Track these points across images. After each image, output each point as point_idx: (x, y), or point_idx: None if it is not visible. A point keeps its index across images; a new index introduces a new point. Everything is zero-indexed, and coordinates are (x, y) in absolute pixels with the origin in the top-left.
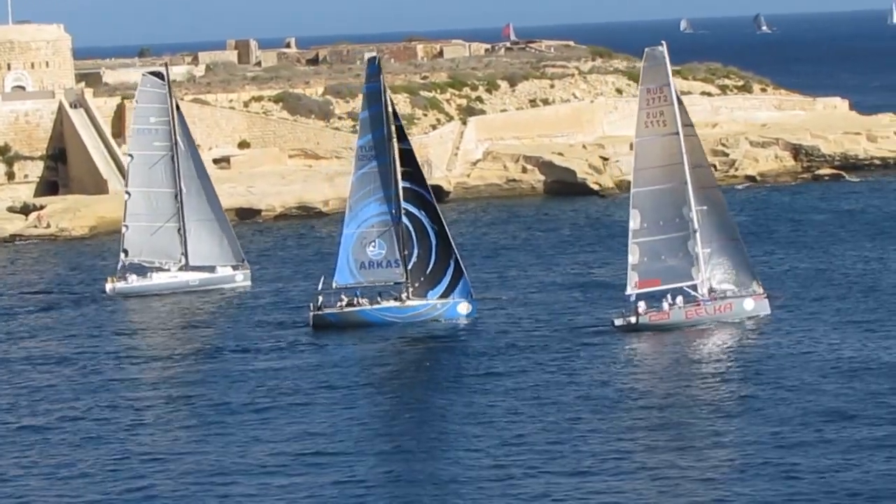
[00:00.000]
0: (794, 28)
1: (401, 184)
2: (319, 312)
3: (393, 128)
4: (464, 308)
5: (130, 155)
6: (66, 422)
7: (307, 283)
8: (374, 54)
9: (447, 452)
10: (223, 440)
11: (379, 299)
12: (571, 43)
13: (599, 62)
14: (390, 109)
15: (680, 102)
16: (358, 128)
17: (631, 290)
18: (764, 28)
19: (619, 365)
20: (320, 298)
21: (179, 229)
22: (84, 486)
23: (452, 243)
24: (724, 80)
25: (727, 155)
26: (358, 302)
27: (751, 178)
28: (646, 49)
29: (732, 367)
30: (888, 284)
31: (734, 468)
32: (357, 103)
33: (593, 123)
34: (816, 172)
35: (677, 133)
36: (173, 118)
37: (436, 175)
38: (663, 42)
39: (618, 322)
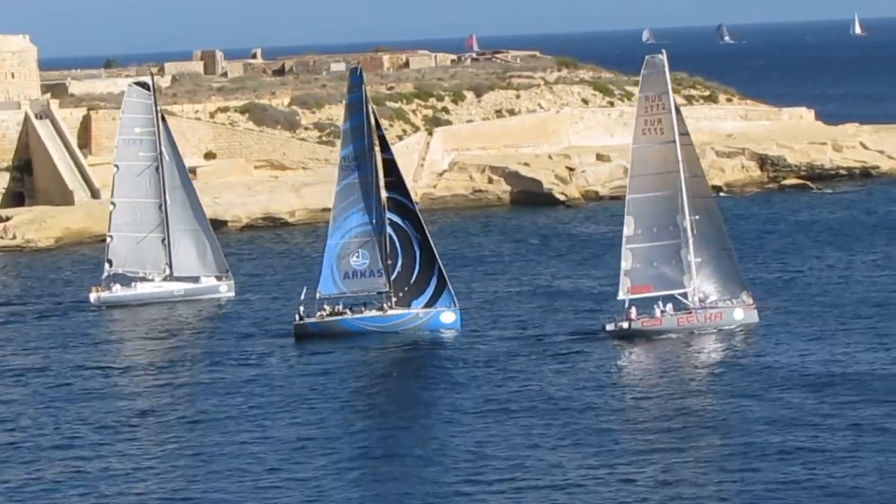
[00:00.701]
0: (758, 38)
1: (384, 194)
2: (301, 322)
3: (375, 138)
4: (447, 318)
5: (116, 165)
6: (48, 430)
7: (291, 294)
8: (355, 65)
9: (430, 461)
10: (207, 448)
11: (363, 309)
12: (537, 53)
13: (565, 72)
14: (373, 119)
15: (678, 111)
16: (341, 138)
17: (623, 296)
18: (727, 38)
19: (607, 372)
20: (302, 308)
21: (164, 240)
22: (69, 494)
23: (436, 253)
24: (690, 90)
25: None
26: (340, 311)
27: (717, 188)
28: (646, 57)
29: (723, 377)
30: (855, 294)
31: (723, 476)
32: (323, 114)
33: (559, 134)
34: (782, 182)
35: (674, 141)
36: (158, 129)
37: None
38: (663, 50)
39: (609, 327)
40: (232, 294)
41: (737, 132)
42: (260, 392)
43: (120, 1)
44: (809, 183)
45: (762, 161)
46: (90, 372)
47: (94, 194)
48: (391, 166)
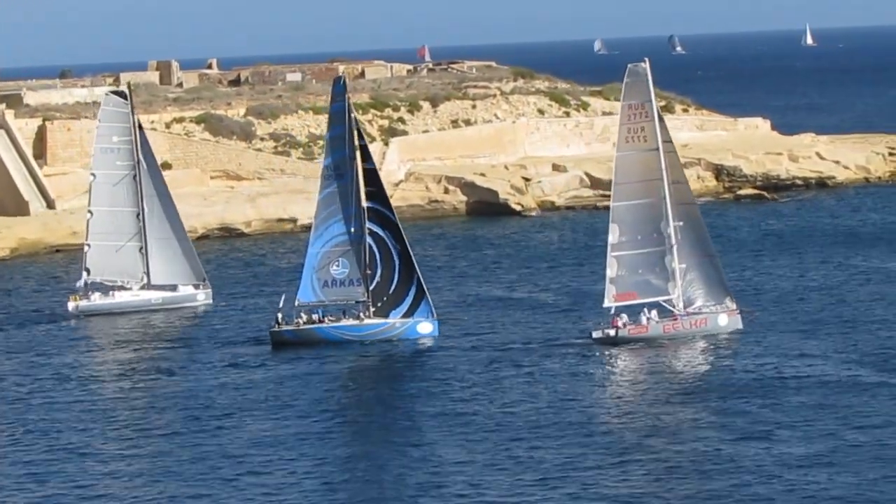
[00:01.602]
0: (709, 48)
1: (365, 203)
2: (277, 329)
3: (357, 147)
4: (424, 328)
5: (93, 174)
6: (26, 438)
7: (270, 302)
8: (340, 74)
9: (400, 473)
10: (184, 455)
11: (343, 317)
12: (493, 63)
13: (521, 83)
14: (355, 129)
15: (661, 119)
16: (324, 147)
17: (609, 303)
18: (678, 49)
19: (590, 381)
20: (280, 316)
21: (141, 248)
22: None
23: (415, 264)
24: None
25: None
26: (318, 319)
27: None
28: (628, 65)
29: (709, 382)
30: (820, 299)
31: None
32: (278, 124)
33: (515, 144)
34: (738, 192)
35: (657, 149)
36: (136, 138)
37: None
38: (646, 59)
39: (596, 335)
40: (209, 302)
41: (693, 142)
42: (233, 399)
43: (75, 11)
44: (766, 193)
45: (718, 171)
46: (71, 380)
47: (50, 204)
48: (372, 176)
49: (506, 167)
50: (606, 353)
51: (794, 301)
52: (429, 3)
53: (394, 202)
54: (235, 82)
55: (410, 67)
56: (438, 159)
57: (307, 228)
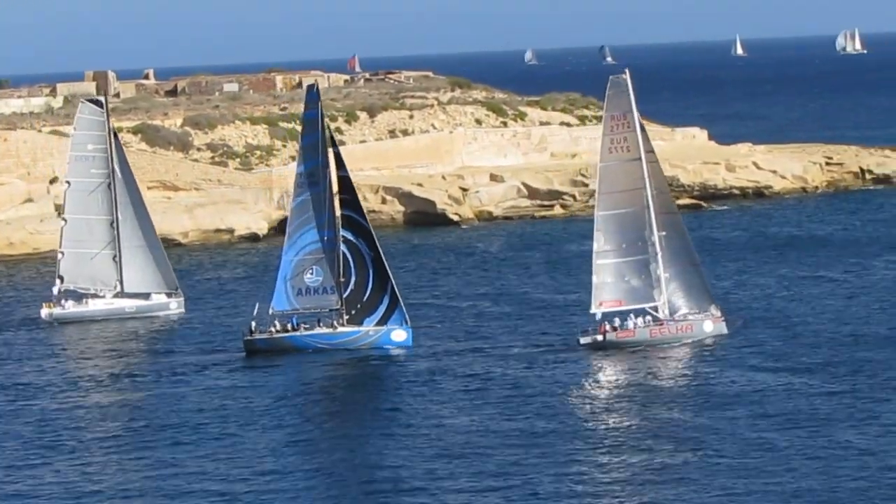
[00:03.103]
0: (640, 58)
1: (339, 211)
2: (251, 338)
3: (331, 155)
4: (398, 336)
5: (68, 182)
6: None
7: (243, 310)
8: (311, 82)
9: (371, 479)
10: (156, 463)
11: (318, 325)
12: (430, 73)
13: (458, 93)
14: (328, 136)
15: (643, 129)
16: (297, 155)
17: (595, 310)
18: (609, 59)
19: (561, 386)
20: (254, 324)
21: (115, 256)
22: None
23: (389, 271)
24: (584, 110)
25: (587, 185)
26: (293, 327)
27: None
28: (610, 77)
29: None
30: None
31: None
32: (216, 134)
33: (452, 154)
34: (676, 202)
35: (640, 159)
36: (111, 146)
37: None
38: (626, 70)
39: (584, 340)
40: (182, 310)
41: None
42: (204, 407)
43: (10, 21)
44: (703, 203)
45: None
46: (45, 387)
47: None
48: (346, 183)
49: (443, 177)
50: (591, 359)
51: (735, 310)
52: (358, 14)
53: None
54: (172, 93)
55: (347, 77)
56: (376, 169)
57: (245, 239)
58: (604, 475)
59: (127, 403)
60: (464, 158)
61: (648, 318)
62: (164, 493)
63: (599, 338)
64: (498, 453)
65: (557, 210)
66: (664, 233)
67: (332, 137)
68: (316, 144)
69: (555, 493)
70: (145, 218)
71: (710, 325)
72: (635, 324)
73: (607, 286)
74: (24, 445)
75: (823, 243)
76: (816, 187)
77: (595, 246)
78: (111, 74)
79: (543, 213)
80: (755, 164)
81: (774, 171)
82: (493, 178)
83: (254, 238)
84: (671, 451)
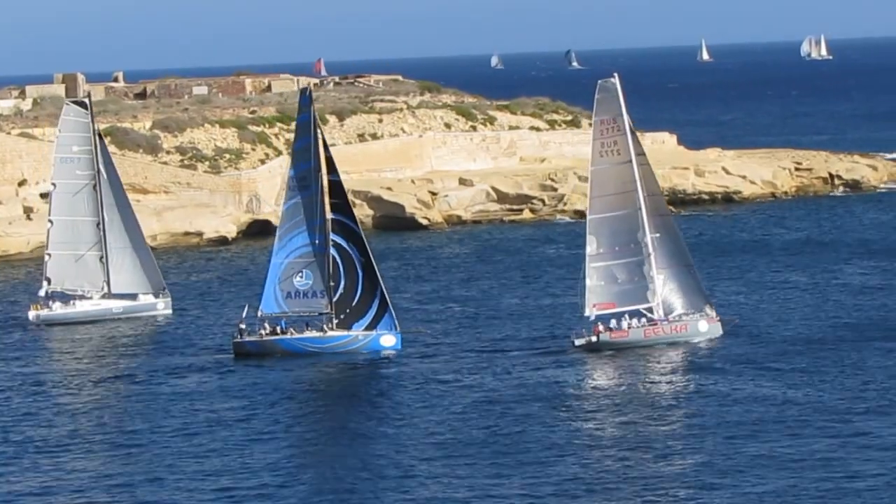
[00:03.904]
0: (606, 64)
1: (330, 216)
2: (240, 340)
3: (323, 159)
4: (387, 340)
5: (53, 184)
6: None
7: (228, 313)
8: (305, 86)
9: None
10: (142, 466)
11: (306, 329)
12: (400, 77)
13: (428, 97)
14: (321, 140)
15: (633, 132)
16: (290, 158)
17: (589, 312)
18: (575, 64)
19: (554, 388)
20: (243, 326)
21: (102, 258)
22: None
23: (379, 276)
24: (553, 114)
25: (556, 190)
26: (282, 331)
27: (580, 213)
28: (599, 81)
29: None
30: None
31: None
32: (185, 137)
33: (422, 158)
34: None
35: (630, 161)
36: (96, 147)
37: (265, 210)
38: (615, 74)
39: (578, 342)
40: (169, 311)
41: None
42: (191, 408)
43: None
44: (672, 208)
45: None
46: (31, 389)
47: None
48: (337, 188)
49: (412, 181)
50: (585, 360)
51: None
52: (322, 18)
53: None
54: (141, 95)
55: (317, 81)
56: (345, 173)
57: (213, 242)
58: (595, 476)
59: (114, 404)
60: (433, 162)
61: (643, 319)
62: (150, 494)
63: (594, 339)
64: (489, 455)
65: (526, 214)
66: (657, 234)
67: (324, 141)
68: (309, 148)
69: (553, 495)
70: (131, 219)
71: (705, 325)
72: (629, 324)
73: (600, 289)
74: (8, 446)
75: (792, 248)
76: (786, 193)
77: (588, 249)
78: (80, 77)
79: (512, 218)
80: (724, 169)
81: (744, 177)
82: (463, 182)
83: (222, 241)
84: (662, 452)
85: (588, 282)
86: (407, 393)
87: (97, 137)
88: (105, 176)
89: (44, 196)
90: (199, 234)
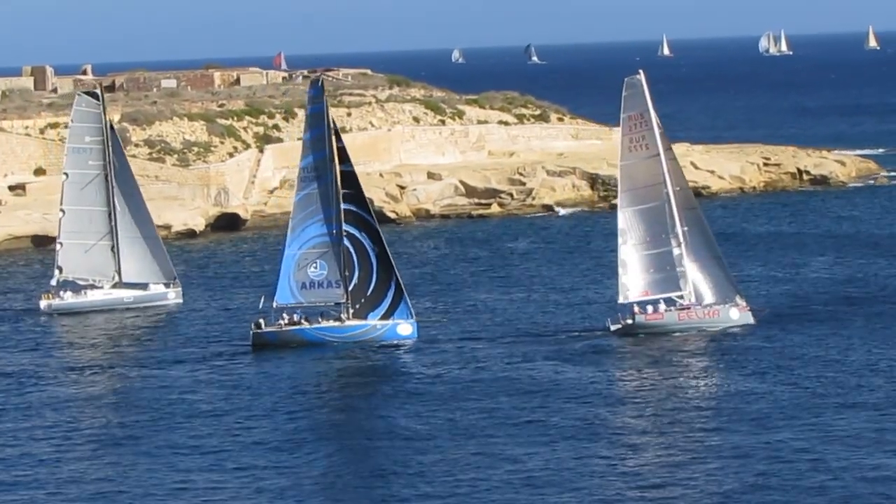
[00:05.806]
0: (565, 58)
1: (342, 206)
2: (259, 331)
3: (335, 149)
4: (404, 329)
5: (65, 173)
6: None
7: (240, 302)
8: (316, 75)
9: (384, 476)
10: (154, 456)
11: (320, 319)
12: (368, 71)
13: (396, 91)
14: (333, 131)
15: (660, 127)
16: (301, 149)
17: (623, 300)
18: (535, 59)
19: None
20: (262, 318)
21: (113, 247)
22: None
23: (394, 265)
24: (522, 109)
25: (524, 184)
26: (298, 321)
27: (548, 208)
28: (625, 79)
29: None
30: None
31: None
32: (153, 130)
33: (390, 152)
34: (613, 202)
35: (659, 155)
36: (107, 138)
37: (233, 203)
38: (640, 71)
39: (614, 327)
40: (180, 301)
41: (568, 151)
42: (205, 398)
43: None
44: None
45: (593, 180)
46: (44, 378)
47: None
48: (350, 178)
49: (381, 175)
50: (617, 345)
51: None
52: (285, 12)
53: (268, 209)
54: (110, 88)
55: (286, 74)
56: None
57: (182, 235)
58: (613, 464)
59: (126, 393)
60: (402, 156)
61: (677, 303)
62: (164, 483)
63: (629, 321)
64: (511, 442)
65: (495, 209)
66: (686, 228)
67: (337, 132)
68: (321, 138)
69: (572, 480)
70: (142, 209)
71: (737, 312)
72: (666, 308)
73: (633, 279)
74: (21, 436)
75: (759, 242)
76: (754, 188)
77: (620, 241)
78: (49, 70)
79: (481, 212)
80: (693, 164)
81: (712, 172)
82: (431, 176)
83: (191, 234)
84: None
85: (621, 271)
86: (424, 380)
87: (109, 128)
88: (117, 166)
89: (12, 188)
90: (168, 227)
